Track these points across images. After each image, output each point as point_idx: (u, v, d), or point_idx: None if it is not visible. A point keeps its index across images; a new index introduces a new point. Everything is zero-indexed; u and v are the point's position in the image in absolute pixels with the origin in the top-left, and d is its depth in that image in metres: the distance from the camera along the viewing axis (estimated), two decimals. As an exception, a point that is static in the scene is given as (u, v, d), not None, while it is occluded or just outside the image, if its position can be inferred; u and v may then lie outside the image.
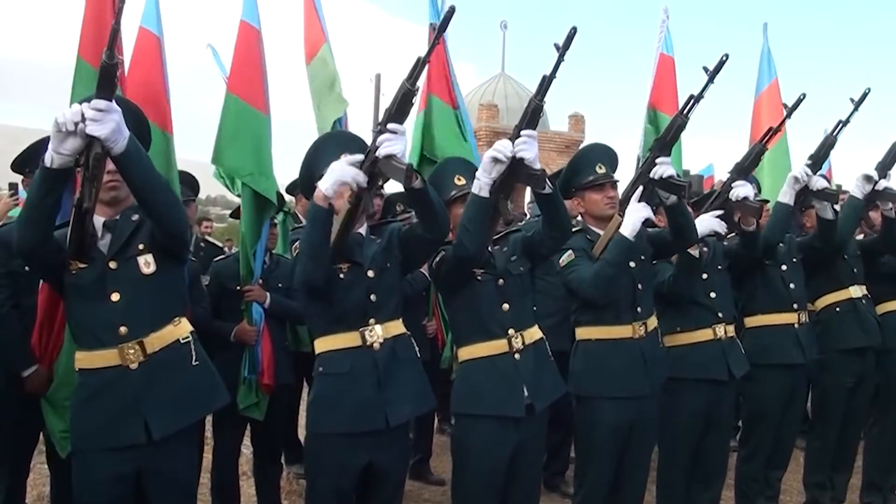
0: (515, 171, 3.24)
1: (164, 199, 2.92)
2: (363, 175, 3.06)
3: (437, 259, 3.52)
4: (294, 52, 5.57)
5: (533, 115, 3.25)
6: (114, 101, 2.67)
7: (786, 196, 4.56)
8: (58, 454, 3.75)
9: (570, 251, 3.86)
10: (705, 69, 3.80)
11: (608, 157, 4.06)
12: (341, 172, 3.03)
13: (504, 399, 3.48)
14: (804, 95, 4.40)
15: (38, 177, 2.77)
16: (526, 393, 3.49)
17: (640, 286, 3.96)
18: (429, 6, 5.59)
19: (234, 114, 4.48)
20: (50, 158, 2.70)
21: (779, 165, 5.94)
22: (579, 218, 4.11)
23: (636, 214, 3.76)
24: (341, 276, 3.24)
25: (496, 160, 3.21)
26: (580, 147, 5.15)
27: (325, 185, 3.04)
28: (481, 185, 3.26)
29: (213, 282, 4.85)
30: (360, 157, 3.08)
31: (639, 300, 3.95)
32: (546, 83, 3.24)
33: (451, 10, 3.01)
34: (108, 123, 2.63)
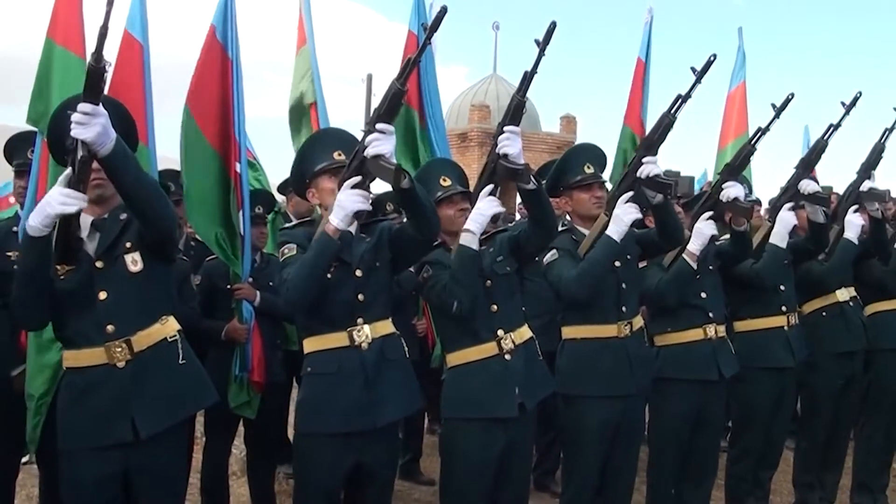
0: (500, 168, 3.27)
1: (151, 200, 2.91)
2: (369, 195, 3.08)
3: (430, 284, 3.52)
4: (287, 51, 5.57)
5: (516, 112, 3.30)
6: (101, 104, 2.66)
7: (780, 238, 4.58)
8: (47, 454, 3.73)
9: (554, 250, 3.88)
10: (693, 69, 3.82)
11: (597, 157, 4.09)
12: (350, 203, 3.02)
13: (496, 401, 3.50)
14: (792, 95, 4.43)
15: (24, 244, 2.85)
16: (517, 392, 3.50)
17: (624, 286, 3.97)
18: (411, 10, 5.57)
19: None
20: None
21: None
22: (567, 218, 4.13)
23: (625, 216, 3.78)
24: (329, 275, 3.21)
25: (495, 218, 3.38)
26: (571, 147, 5.16)
27: (336, 220, 3.04)
28: (472, 238, 3.36)
29: (204, 281, 4.84)
30: (357, 179, 3.06)
31: (623, 300, 3.96)
32: (527, 79, 3.31)
33: (443, 11, 3.02)
34: (94, 127, 2.63)
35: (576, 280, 3.78)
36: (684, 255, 4.19)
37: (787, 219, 4.57)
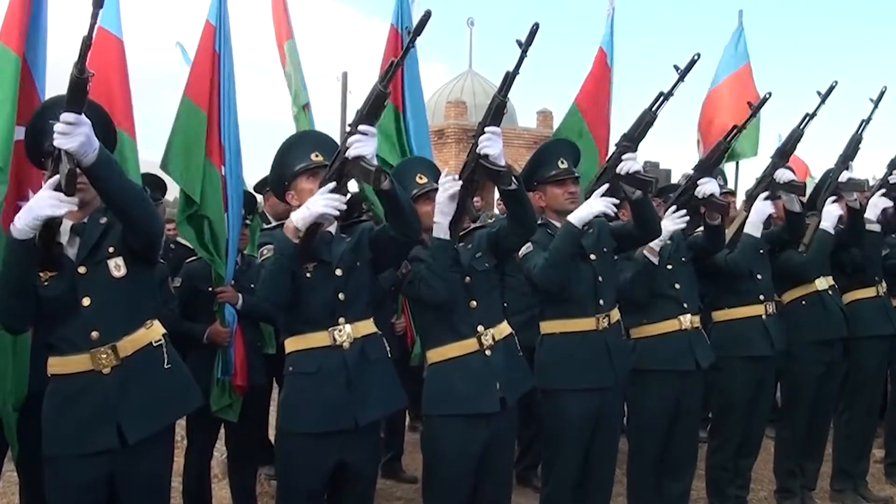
0: (480, 168, 3.27)
1: (137, 206, 2.90)
2: (340, 200, 3.05)
3: (409, 279, 3.51)
4: (268, 50, 5.53)
5: (497, 112, 3.29)
6: (83, 113, 2.64)
7: (754, 228, 4.63)
8: (27, 460, 3.69)
9: (529, 243, 3.87)
10: (676, 67, 3.84)
11: (571, 152, 4.11)
12: (318, 207, 3.01)
13: (477, 396, 3.50)
14: (769, 94, 4.48)
15: (9, 248, 2.80)
16: (498, 387, 3.51)
17: (601, 278, 3.99)
18: (394, 6, 5.54)
19: (182, 114, 4.44)
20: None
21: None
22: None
23: (590, 206, 3.80)
24: (308, 275, 3.22)
25: (452, 197, 3.32)
26: (546, 142, 5.18)
27: (298, 217, 3.04)
28: (442, 228, 3.36)
29: (186, 283, 4.81)
30: (332, 185, 3.06)
31: (600, 293, 3.99)
32: (509, 80, 3.29)
33: (427, 15, 3.02)
34: (77, 137, 2.61)
35: (541, 270, 3.80)
36: (644, 251, 4.20)
37: (761, 208, 4.61)
